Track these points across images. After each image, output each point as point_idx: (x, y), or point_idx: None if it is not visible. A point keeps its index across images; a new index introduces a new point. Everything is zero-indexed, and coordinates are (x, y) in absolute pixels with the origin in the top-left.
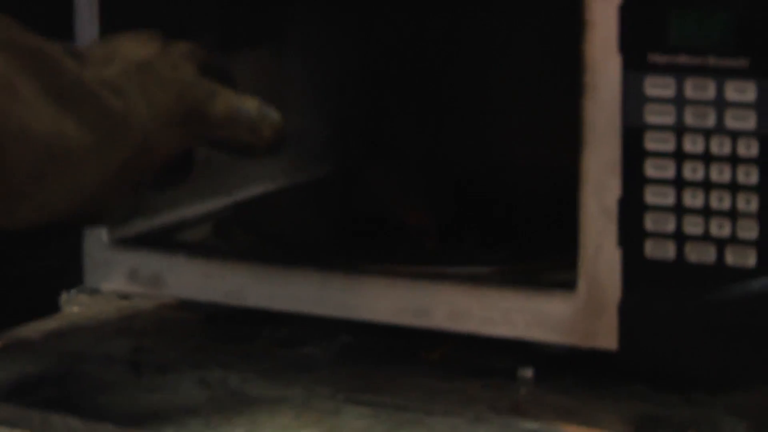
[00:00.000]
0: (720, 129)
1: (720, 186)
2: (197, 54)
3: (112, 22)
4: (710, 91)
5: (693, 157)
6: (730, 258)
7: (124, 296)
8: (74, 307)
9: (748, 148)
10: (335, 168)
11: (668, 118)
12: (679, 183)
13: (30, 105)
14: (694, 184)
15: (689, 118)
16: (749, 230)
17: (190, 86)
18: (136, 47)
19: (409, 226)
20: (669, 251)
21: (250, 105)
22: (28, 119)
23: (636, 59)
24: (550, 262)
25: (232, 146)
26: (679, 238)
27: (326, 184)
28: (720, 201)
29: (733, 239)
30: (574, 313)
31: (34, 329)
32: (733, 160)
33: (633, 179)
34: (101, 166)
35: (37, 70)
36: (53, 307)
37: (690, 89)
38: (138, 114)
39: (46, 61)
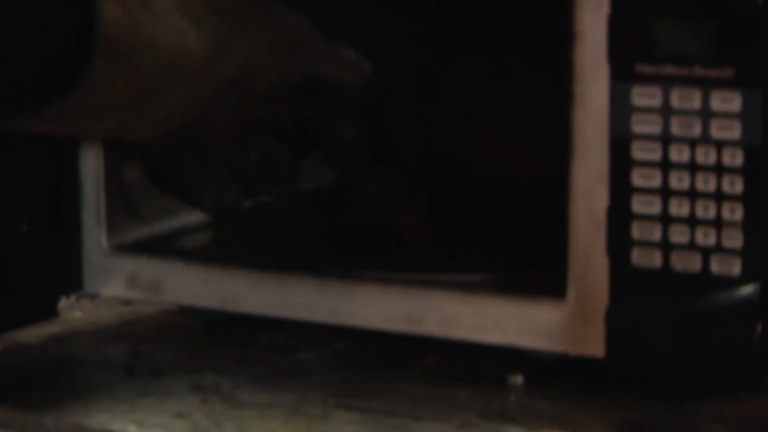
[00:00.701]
0: (706, 138)
1: (705, 195)
2: None
3: None
4: (696, 101)
5: (679, 166)
6: (716, 267)
7: (125, 302)
8: (76, 312)
9: (733, 158)
10: (331, 176)
11: (655, 128)
12: (666, 192)
13: (160, 17)
14: (680, 193)
15: (675, 128)
16: (734, 239)
17: (289, 19)
18: None
19: (403, 234)
20: (655, 259)
21: (346, 49)
22: (156, 31)
23: (624, 69)
24: (540, 270)
25: (337, 85)
26: (666, 246)
27: (323, 192)
28: (705, 210)
29: (719, 248)
30: (563, 321)
31: (33, 333)
32: (719, 169)
33: (620, 188)
34: (211, 80)
35: None
36: (53, 312)
37: (676, 99)
38: (246, 35)
39: None
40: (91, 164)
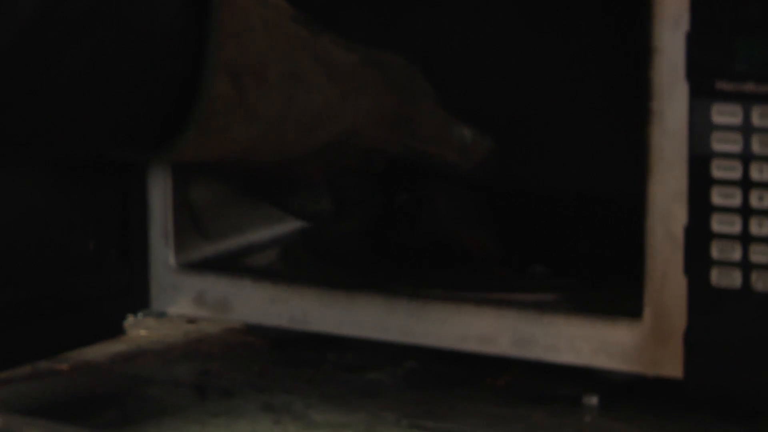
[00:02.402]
0: None
1: None
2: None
3: None
4: None
5: (760, 185)
6: None
7: (191, 320)
8: (141, 330)
9: None
10: (401, 194)
11: (735, 146)
12: (746, 211)
13: (271, 87)
14: (760, 213)
15: (756, 146)
16: None
17: (408, 92)
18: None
19: (474, 253)
20: (735, 280)
21: (464, 129)
22: (261, 102)
23: (703, 86)
24: (616, 290)
25: (439, 164)
26: (746, 266)
27: (392, 209)
28: None
29: None
30: (639, 341)
31: (100, 352)
32: None
33: (699, 207)
34: (309, 142)
35: (318, 56)
36: (119, 331)
37: (757, 117)
38: (357, 102)
39: (324, 48)
40: (158, 182)
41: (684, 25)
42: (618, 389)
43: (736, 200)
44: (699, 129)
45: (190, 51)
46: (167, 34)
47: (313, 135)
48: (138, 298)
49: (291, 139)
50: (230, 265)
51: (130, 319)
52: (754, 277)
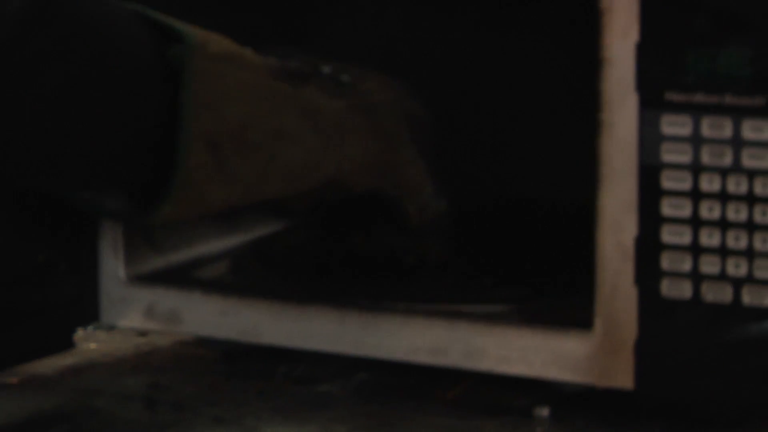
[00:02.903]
0: (737, 168)
1: (736, 225)
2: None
3: None
4: (727, 130)
5: (709, 196)
6: (747, 297)
7: (142, 333)
8: (91, 343)
9: (765, 187)
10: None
11: (685, 157)
12: (696, 222)
13: (250, 150)
14: (710, 224)
15: (706, 157)
16: (766, 269)
17: (394, 138)
18: (375, 87)
19: (425, 263)
20: (685, 290)
21: (430, 186)
22: (241, 166)
23: (653, 97)
24: (566, 301)
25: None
26: (696, 277)
27: (343, 220)
28: (736, 240)
29: (750, 278)
30: (591, 352)
31: (50, 365)
32: (750, 199)
33: (650, 218)
34: (290, 191)
35: (301, 109)
36: (69, 344)
37: (707, 128)
38: (340, 150)
39: (308, 99)
40: None
41: (634, 35)
42: (569, 400)
43: (686, 211)
44: (649, 140)
45: (165, 121)
46: (141, 82)
47: (294, 186)
48: (88, 311)
49: (271, 192)
50: (180, 278)
51: (80, 332)
52: (704, 287)
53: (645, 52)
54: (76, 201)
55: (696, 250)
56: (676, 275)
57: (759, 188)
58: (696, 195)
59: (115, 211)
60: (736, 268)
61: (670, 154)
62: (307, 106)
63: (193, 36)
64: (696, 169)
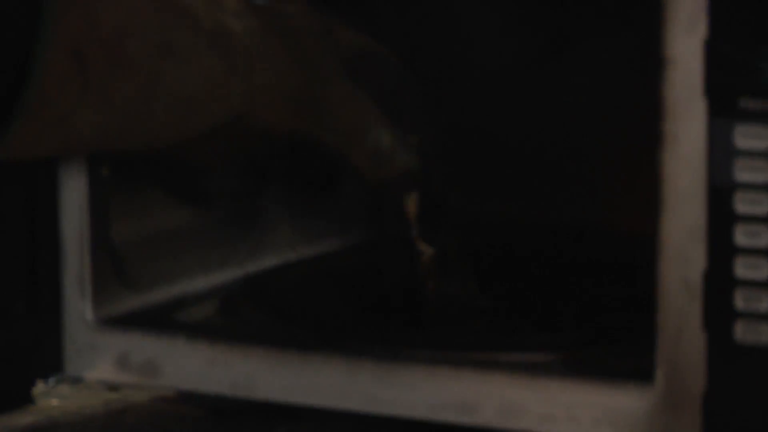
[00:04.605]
0: None
1: None
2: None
3: None
4: None
5: None
6: None
7: (113, 387)
8: (53, 399)
9: None
10: (365, 234)
11: (762, 175)
12: None
13: (187, 60)
14: None
15: None
16: None
17: (320, 69)
18: (297, 10)
19: (451, 305)
20: (763, 335)
21: (385, 133)
22: (184, 77)
23: (724, 104)
24: (621, 348)
25: (344, 164)
26: None
27: (354, 252)
28: None
29: None
30: (650, 408)
31: (3, 426)
32: None
33: (720, 248)
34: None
35: (199, 23)
36: (26, 400)
37: None
38: (245, 78)
39: (210, 12)
40: (73, 219)
41: (701, 30)
42: None
43: (764, 240)
44: (720, 155)
45: (21, 20)
46: None
47: (190, 119)
48: (49, 360)
49: (160, 124)
50: (160, 321)
51: (39, 386)
52: None
53: (715, 50)
54: None
55: None
56: (753, 316)
57: None
58: None
59: None
60: None
61: (745, 172)
62: (205, 21)
63: None
64: None
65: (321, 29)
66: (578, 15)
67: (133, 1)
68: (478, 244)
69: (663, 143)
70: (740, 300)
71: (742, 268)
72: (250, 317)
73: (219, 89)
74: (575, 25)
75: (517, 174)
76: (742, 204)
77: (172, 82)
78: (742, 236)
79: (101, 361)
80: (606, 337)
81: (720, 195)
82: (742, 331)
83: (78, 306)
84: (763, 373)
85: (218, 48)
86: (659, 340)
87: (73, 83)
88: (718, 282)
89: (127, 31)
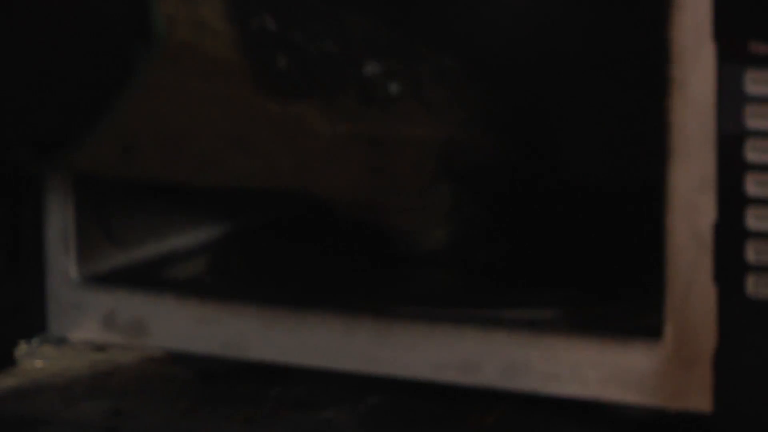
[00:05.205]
0: None
1: None
2: None
3: None
4: None
5: None
6: None
7: (99, 348)
8: (37, 360)
9: None
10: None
11: None
12: None
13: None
14: None
15: None
16: None
17: (401, 189)
18: (413, 112)
19: (452, 260)
20: None
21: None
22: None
23: (734, 48)
24: (628, 304)
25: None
26: None
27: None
28: None
29: None
30: (659, 367)
31: None
32: None
33: (731, 199)
34: None
35: (275, 123)
36: (9, 361)
37: None
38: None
39: (293, 121)
40: (55, 175)
41: None
42: (633, 427)
43: None
44: (729, 101)
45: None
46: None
47: (236, 183)
48: (32, 320)
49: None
50: (148, 278)
51: (22, 347)
52: None
53: None
54: None
55: None
56: (766, 269)
57: None
58: None
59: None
60: None
61: (757, 119)
62: (287, 124)
63: (162, 35)
64: None
65: (430, 134)
66: None
67: (208, 105)
68: (482, 195)
69: (670, 89)
70: (752, 252)
71: (753, 219)
72: (242, 274)
73: (284, 178)
74: None
75: (520, 124)
76: (754, 152)
77: (234, 167)
78: (753, 186)
79: (86, 321)
80: (612, 293)
81: (730, 143)
82: (754, 285)
83: (62, 263)
84: None
85: (293, 148)
86: (668, 295)
87: (118, 162)
88: (729, 234)
89: (188, 131)
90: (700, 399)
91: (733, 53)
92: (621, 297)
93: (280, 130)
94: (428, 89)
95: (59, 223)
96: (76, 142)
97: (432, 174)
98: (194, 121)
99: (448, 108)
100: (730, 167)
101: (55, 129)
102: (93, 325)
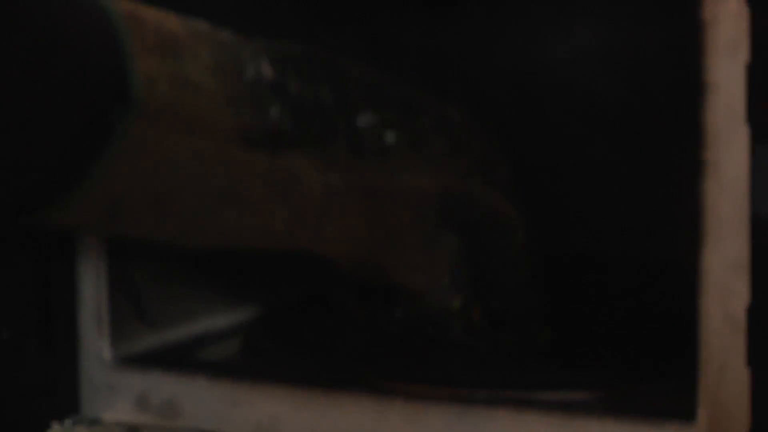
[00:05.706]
0: None
1: None
2: None
3: None
4: None
5: None
6: None
7: (132, 428)
8: None
9: None
10: None
11: None
12: None
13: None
14: None
15: None
16: None
17: (394, 228)
18: (410, 164)
19: (483, 342)
20: None
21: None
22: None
23: (767, 131)
24: (662, 386)
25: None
26: None
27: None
28: None
29: None
30: None
31: None
32: None
33: (764, 282)
34: None
35: (270, 178)
36: None
37: None
38: (313, 228)
39: (286, 169)
40: (90, 256)
41: (743, 53)
42: None
43: None
44: (763, 184)
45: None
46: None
47: (234, 244)
48: (65, 401)
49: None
50: (180, 360)
51: (55, 428)
52: None
53: (757, 74)
54: None
55: None
56: None
57: None
58: None
59: None
60: None
61: None
62: (276, 177)
63: (141, 97)
64: None
65: (426, 185)
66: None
67: (194, 163)
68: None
69: (704, 172)
70: None
71: None
72: (274, 356)
73: (282, 237)
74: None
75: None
76: None
77: (225, 224)
78: None
79: (119, 402)
80: (646, 377)
81: (763, 226)
82: None
83: (95, 345)
84: None
85: (286, 201)
86: (702, 377)
87: (105, 220)
88: (763, 317)
89: (180, 189)
90: None
91: (766, 136)
92: (655, 380)
93: (270, 184)
94: (427, 140)
95: (92, 304)
96: (58, 204)
97: (433, 227)
98: (180, 179)
99: (449, 159)
100: (764, 249)
101: (33, 192)
102: (126, 406)
